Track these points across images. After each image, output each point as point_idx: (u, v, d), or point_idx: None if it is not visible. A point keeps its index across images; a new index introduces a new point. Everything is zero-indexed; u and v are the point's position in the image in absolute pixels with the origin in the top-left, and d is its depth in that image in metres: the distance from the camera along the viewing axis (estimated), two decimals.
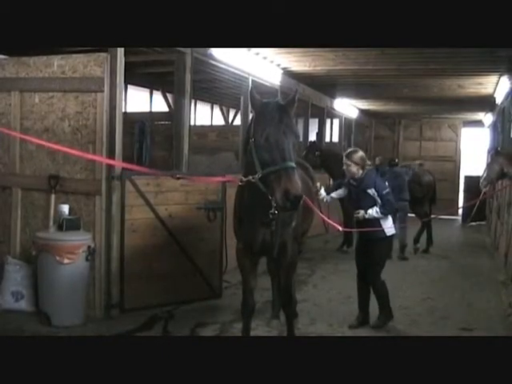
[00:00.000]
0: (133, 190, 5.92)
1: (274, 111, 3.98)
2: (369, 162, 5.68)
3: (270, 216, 4.11)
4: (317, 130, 13.35)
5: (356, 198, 5.73)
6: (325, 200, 5.77)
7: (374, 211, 5.54)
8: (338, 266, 8.96)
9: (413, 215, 10.34)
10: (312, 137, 12.24)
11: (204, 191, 6.45)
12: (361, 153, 5.63)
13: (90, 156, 5.22)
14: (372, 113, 17.53)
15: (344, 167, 5.65)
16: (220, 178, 6.28)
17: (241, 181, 4.22)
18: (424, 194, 10.23)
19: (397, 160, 10.49)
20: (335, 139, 15.08)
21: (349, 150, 5.77)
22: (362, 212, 5.58)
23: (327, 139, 13.98)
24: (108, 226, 5.80)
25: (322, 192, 5.70)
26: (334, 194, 5.91)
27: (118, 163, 5.55)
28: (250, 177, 4.01)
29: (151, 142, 7.25)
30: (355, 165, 5.58)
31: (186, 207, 6.34)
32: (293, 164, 3.75)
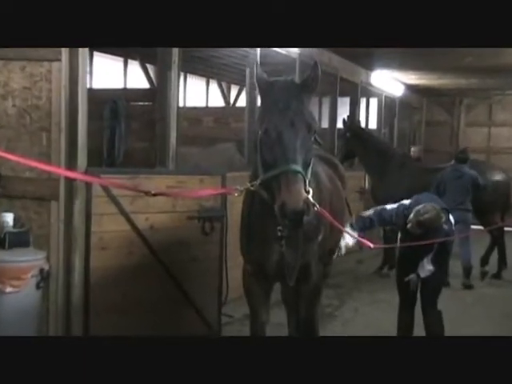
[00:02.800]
0: (102, 194, 5.91)
1: (280, 94, 4.00)
2: (443, 219, 5.71)
3: (278, 233, 4.16)
4: (347, 113, 13.33)
5: (411, 241, 5.87)
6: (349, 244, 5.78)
7: (426, 270, 5.77)
8: (376, 295, 8.92)
9: (480, 227, 10.26)
10: (340, 122, 12.20)
11: None
12: (430, 214, 5.62)
13: (34, 163, 4.66)
14: (423, 89, 17.48)
15: (409, 226, 5.73)
16: (210, 191, 6.30)
17: (238, 191, 4.32)
18: (494, 199, 10.15)
19: (462, 155, 9.87)
20: (372, 125, 15.04)
21: (419, 207, 5.72)
22: (414, 277, 5.83)
23: (362, 125, 13.93)
24: (68, 241, 5.80)
25: (347, 240, 5.72)
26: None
27: (80, 176, 5.43)
28: (249, 184, 4.14)
29: (126, 129, 7.22)
30: (421, 227, 5.67)
31: (173, 216, 6.33)
32: (296, 167, 3.76)
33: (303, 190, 3.73)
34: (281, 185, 3.72)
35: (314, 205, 3.94)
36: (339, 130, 11.45)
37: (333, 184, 5.59)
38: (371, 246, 5.35)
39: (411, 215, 5.67)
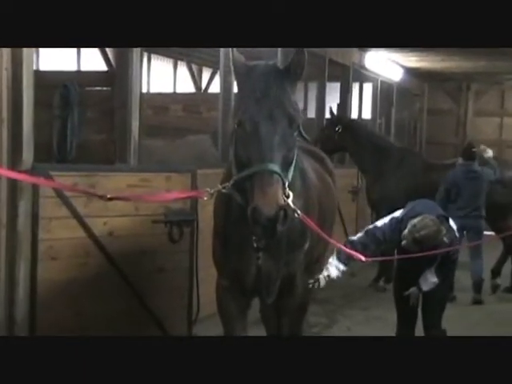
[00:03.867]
0: (51, 195, 5.88)
1: (258, 81, 4.01)
2: (443, 232, 5.68)
3: (254, 244, 4.22)
4: (338, 101, 13.37)
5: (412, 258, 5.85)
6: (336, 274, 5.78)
7: (429, 282, 5.79)
8: (371, 312, 8.96)
9: (491, 233, 10.32)
10: (331, 110, 12.21)
11: None
12: (428, 231, 5.56)
13: None
14: (424, 73, 17.56)
15: (404, 243, 5.69)
16: (176, 195, 6.18)
17: (208, 194, 4.31)
18: (509, 201, 10.18)
19: (474, 149, 9.79)
20: (366, 115, 15.08)
21: (414, 221, 5.67)
22: (415, 291, 5.87)
23: (354, 114, 13.98)
24: (11, 250, 5.75)
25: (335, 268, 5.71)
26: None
27: (22, 176, 5.34)
28: (220, 186, 4.18)
29: (80, 118, 7.19)
30: (418, 244, 5.63)
31: (135, 221, 6.34)
32: (273, 167, 3.76)
33: (280, 194, 3.74)
34: (254, 186, 3.74)
35: (294, 211, 3.97)
36: (327, 120, 11.43)
37: (321, 181, 5.59)
38: (363, 258, 5.29)
39: (406, 231, 5.62)
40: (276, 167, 3.77)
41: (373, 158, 10.67)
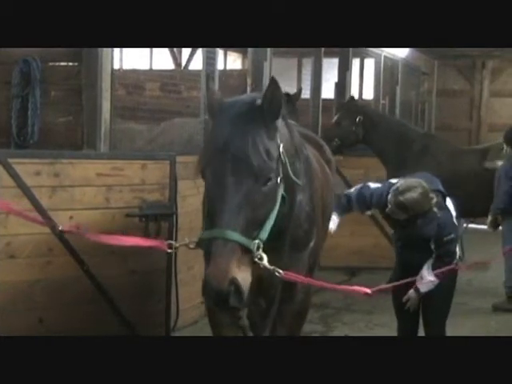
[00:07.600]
0: (10, 184, 5.89)
1: (225, 124, 3.86)
2: (434, 200, 5.74)
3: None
4: (336, 80, 13.36)
5: (406, 238, 6.06)
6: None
7: (427, 282, 5.82)
8: (374, 318, 8.96)
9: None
10: (327, 90, 12.16)
11: (139, 186, 6.49)
12: (413, 193, 5.62)
13: None
14: (434, 48, 17.57)
15: (388, 209, 5.80)
16: (136, 241, 5.46)
17: (171, 247, 4.31)
18: None
19: None
20: (368, 95, 15.09)
21: (398, 184, 5.78)
22: (413, 295, 5.91)
23: (354, 95, 13.94)
24: None
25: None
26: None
27: None
28: (186, 240, 4.09)
29: (43, 98, 7.19)
30: (402, 210, 5.71)
31: (106, 214, 6.35)
32: (230, 234, 3.63)
33: (232, 266, 3.61)
34: (210, 253, 3.69)
35: (274, 270, 3.86)
36: (341, 109, 11.20)
37: (322, 171, 5.56)
38: (368, 291, 4.85)
39: (389, 195, 5.74)
40: (234, 234, 3.64)
41: (394, 147, 10.54)
